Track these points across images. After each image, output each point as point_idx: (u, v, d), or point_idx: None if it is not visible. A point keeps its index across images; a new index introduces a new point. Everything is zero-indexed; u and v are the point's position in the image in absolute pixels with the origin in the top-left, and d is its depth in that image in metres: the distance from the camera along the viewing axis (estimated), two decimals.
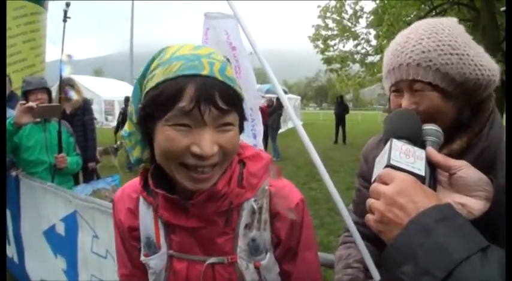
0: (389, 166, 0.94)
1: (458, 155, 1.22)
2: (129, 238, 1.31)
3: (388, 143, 1.01)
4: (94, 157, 6.27)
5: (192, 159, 1.02)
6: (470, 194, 0.98)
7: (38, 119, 3.92)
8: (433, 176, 1.00)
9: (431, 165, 1.00)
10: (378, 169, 0.99)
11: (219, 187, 1.14)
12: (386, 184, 0.91)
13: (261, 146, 3.30)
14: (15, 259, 4.28)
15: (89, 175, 6.15)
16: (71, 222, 3.23)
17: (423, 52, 1.23)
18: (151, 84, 1.03)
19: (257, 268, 1.22)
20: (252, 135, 3.31)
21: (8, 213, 4.29)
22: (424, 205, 0.83)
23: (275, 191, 1.24)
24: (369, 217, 0.92)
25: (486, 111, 1.29)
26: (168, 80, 1.00)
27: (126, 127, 1.19)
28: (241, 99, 1.10)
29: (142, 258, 1.28)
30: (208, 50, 1.08)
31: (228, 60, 1.13)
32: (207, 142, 1.00)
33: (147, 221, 1.25)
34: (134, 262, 1.33)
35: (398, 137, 1.03)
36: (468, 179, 0.98)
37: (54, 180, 3.99)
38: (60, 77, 4.50)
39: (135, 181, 1.32)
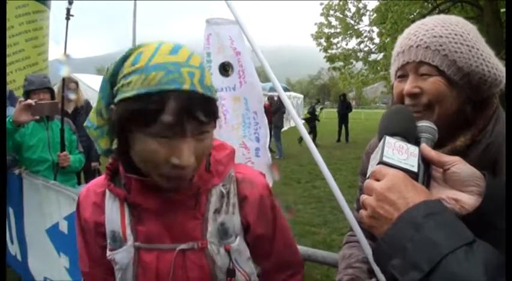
0: (381, 162, 0.96)
1: (462, 151, 1.22)
2: (95, 236, 1.29)
3: (382, 140, 1.03)
4: (98, 156, 6.16)
5: (170, 170, 1.05)
6: (463, 189, 0.99)
7: (38, 117, 3.87)
8: (427, 173, 1.01)
9: (426, 161, 1.02)
10: (372, 166, 1.01)
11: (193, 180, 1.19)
12: (378, 180, 0.94)
13: (265, 149, 3.31)
14: (19, 257, 4.29)
15: (92, 174, 6.10)
16: (74, 220, 3.22)
17: (434, 36, 1.24)
18: (128, 92, 1.01)
19: (228, 250, 1.24)
20: (255, 139, 3.32)
21: (11, 211, 4.30)
22: (413, 201, 0.86)
23: (242, 177, 1.31)
24: (362, 213, 0.96)
25: (491, 108, 1.29)
26: (149, 94, 0.99)
27: (92, 119, 1.19)
28: (217, 104, 1.11)
29: (108, 253, 1.25)
30: (185, 53, 1.06)
31: (209, 60, 1.13)
32: (185, 153, 1.03)
33: (112, 214, 1.25)
34: (95, 260, 1.32)
35: (392, 134, 1.05)
36: (461, 175, 0.99)
37: (57, 178, 3.99)
38: (63, 79, 4.46)
39: (100, 178, 1.33)
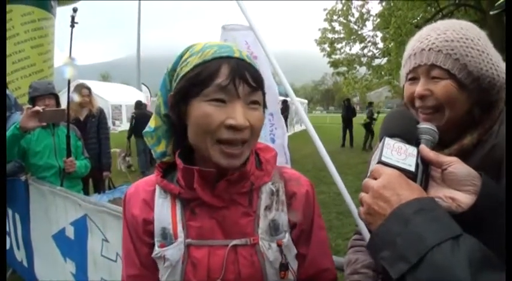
0: (380, 162, 1.01)
1: (468, 151, 1.26)
2: (142, 233, 1.30)
3: (381, 142, 1.07)
4: (109, 166, 6.13)
5: (227, 133, 1.12)
6: (460, 188, 1.02)
7: (45, 124, 3.92)
8: (425, 173, 1.05)
9: (425, 162, 1.05)
10: (371, 166, 1.05)
11: (248, 167, 1.25)
12: (375, 178, 0.98)
13: (283, 148, 3.33)
14: (25, 263, 4.30)
15: (103, 184, 6.06)
16: (80, 226, 3.24)
17: (446, 41, 1.27)
18: (186, 68, 1.16)
19: (279, 246, 1.27)
20: (270, 140, 3.35)
21: (17, 217, 4.32)
22: (406, 198, 0.90)
23: (289, 176, 1.37)
24: (360, 210, 1.00)
25: (497, 109, 1.32)
26: (205, 62, 1.13)
27: (151, 123, 1.30)
28: (263, 81, 1.22)
29: (157, 250, 1.26)
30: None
31: None
32: (240, 114, 1.11)
33: (163, 211, 1.28)
34: (143, 261, 1.33)
35: (392, 136, 1.08)
36: (458, 174, 1.03)
37: (63, 184, 4.01)
38: (68, 85, 4.48)
39: (149, 177, 1.37)
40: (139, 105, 13.47)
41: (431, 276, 0.78)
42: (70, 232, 3.43)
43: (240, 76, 1.12)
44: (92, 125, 5.87)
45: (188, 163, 1.23)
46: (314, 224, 1.38)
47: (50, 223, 3.75)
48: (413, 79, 1.33)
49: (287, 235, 1.30)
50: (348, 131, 20.71)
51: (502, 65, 1.29)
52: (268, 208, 1.28)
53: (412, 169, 0.99)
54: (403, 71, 1.39)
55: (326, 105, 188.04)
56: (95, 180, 6.00)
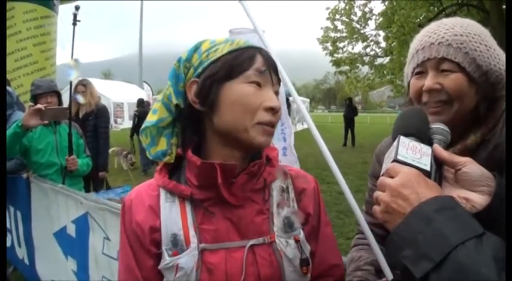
0: (395, 160, 0.99)
1: (472, 150, 1.26)
2: (148, 243, 1.22)
3: (396, 140, 1.05)
4: (105, 166, 6.01)
5: (266, 115, 1.15)
6: (473, 189, 1.02)
7: (47, 122, 3.93)
8: (438, 173, 1.04)
9: (438, 162, 1.04)
10: (386, 164, 1.04)
11: (263, 160, 1.26)
12: (392, 177, 0.96)
13: (291, 148, 3.34)
14: (26, 261, 4.31)
15: (99, 183, 5.96)
16: (82, 224, 3.24)
17: (455, 35, 1.28)
18: (217, 54, 1.18)
19: (297, 241, 1.24)
20: (282, 139, 3.36)
21: (19, 215, 4.32)
22: (425, 196, 0.89)
23: (296, 173, 1.37)
24: (376, 208, 0.98)
25: (500, 107, 1.32)
26: (240, 48, 1.18)
27: (151, 117, 1.25)
28: None
29: (167, 260, 1.18)
30: None
31: None
32: (275, 98, 1.18)
33: (172, 216, 1.21)
34: (146, 276, 1.23)
35: (407, 134, 1.07)
36: (472, 175, 1.02)
37: (65, 182, 4.00)
38: (70, 83, 4.48)
39: (150, 181, 1.30)
40: (141, 103, 13.49)
41: (456, 275, 0.77)
42: (71, 230, 3.43)
43: (272, 65, 1.20)
44: (89, 124, 5.77)
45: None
46: (321, 220, 1.37)
47: (51, 220, 3.75)
48: (421, 73, 1.33)
49: (301, 231, 1.27)
50: (349, 131, 20.65)
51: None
52: (280, 205, 1.26)
53: (428, 168, 0.98)
54: (409, 67, 1.39)
55: (328, 104, 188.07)
56: (92, 179, 5.81)
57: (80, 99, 5.67)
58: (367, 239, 1.47)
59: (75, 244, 3.41)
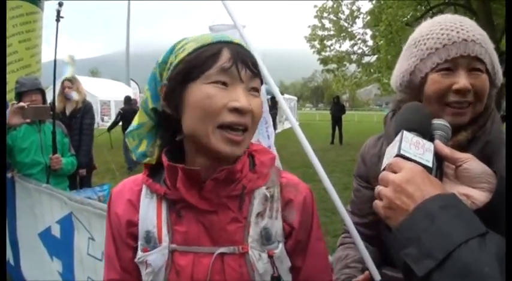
0: (399, 155, 0.98)
1: (463, 146, 1.27)
2: (125, 236, 1.23)
3: (399, 134, 1.04)
4: (89, 163, 5.88)
5: (230, 116, 1.07)
6: (474, 185, 1.02)
7: (29, 120, 3.88)
8: (439, 169, 1.05)
9: (439, 158, 1.04)
10: (388, 158, 1.02)
11: (238, 166, 1.17)
12: (395, 172, 0.95)
13: (273, 147, 3.34)
14: (11, 261, 4.27)
15: (87, 182, 5.86)
16: (66, 224, 3.22)
17: (480, 35, 1.28)
18: (183, 54, 1.11)
19: (271, 256, 1.18)
20: (267, 137, 3.36)
21: None
22: (429, 193, 0.88)
23: (286, 181, 1.28)
24: (377, 203, 0.97)
25: (489, 107, 1.34)
26: (204, 46, 1.10)
27: (135, 121, 1.24)
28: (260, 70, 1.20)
29: (139, 254, 1.19)
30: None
31: None
32: (243, 97, 1.08)
33: (148, 213, 1.20)
34: (125, 265, 1.25)
35: (409, 129, 1.06)
36: (473, 171, 1.02)
37: (50, 181, 3.97)
38: (54, 81, 4.44)
39: (137, 176, 1.30)
40: (128, 101, 13.42)
41: (459, 273, 0.76)
42: (56, 231, 3.40)
43: (242, 60, 1.09)
44: (77, 121, 5.72)
45: (175, 162, 1.16)
46: (312, 234, 1.28)
47: (36, 221, 3.72)
48: (447, 70, 1.28)
49: (280, 245, 1.21)
50: (337, 129, 20.72)
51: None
52: (260, 214, 1.19)
53: (430, 164, 0.97)
54: (428, 61, 1.32)
55: (315, 103, 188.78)
56: (80, 178, 5.74)
57: (74, 95, 5.62)
58: (353, 239, 1.47)
59: (60, 245, 3.38)
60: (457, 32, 1.27)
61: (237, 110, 1.06)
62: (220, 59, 1.07)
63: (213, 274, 1.14)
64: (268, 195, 1.21)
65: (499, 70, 1.33)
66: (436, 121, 1.16)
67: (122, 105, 13.67)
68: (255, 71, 1.12)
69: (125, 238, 1.24)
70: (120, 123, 12.85)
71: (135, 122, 1.24)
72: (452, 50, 1.26)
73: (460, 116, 1.25)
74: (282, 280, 1.21)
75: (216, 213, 1.16)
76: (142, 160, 1.24)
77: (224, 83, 1.07)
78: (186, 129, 1.12)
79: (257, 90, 1.14)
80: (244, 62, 1.10)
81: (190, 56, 1.10)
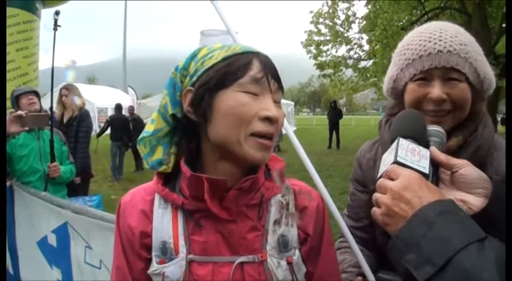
0: (395, 162, 0.98)
1: (454, 152, 1.28)
2: (138, 247, 1.20)
3: (395, 142, 1.05)
4: (80, 171, 5.52)
5: (261, 125, 1.08)
6: (470, 191, 1.03)
7: (27, 128, 3.88)
8: (435, 175, 1.06)
9: (434, 164, 1.05)
10: (385, 166, 1.03)
11: (259, 175, 1.18)
12: (392, 179, 0.96)
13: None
14: (11, 270, 4.24)
15: (79, 190, 5.64)
16: (62, 233, 3.21)
17: (461, 44, 1.28)
18: (212, 61, 1.12)
19: (290, 263, 1.19)
20: None
21: None
22: (427, 200, 0.88)
23: (299, 189, 1.29)
24: (376, 211, 0.97)
25: (480, 112, 1.36)
26: (235, 54, 1.12)
27: (149, 127, 1.22)
28: None
29: (155, 267, 1.16)
30: None
31: None
32: (273, 106, 1.10)
33: (163, 224, 1.18)
34: (137, 278, 1.21)
35: (405, 137, 1.07)
36: (469, 177, 1.03)
37: (48, 189, 3.96)
38: (51, 88, 4.45)
39: (147, 185, 1.28)
40: (118, 108, 13.42)
41: (459, 279, 0.77)
42: (52, 240, 3.39)
43: (271, 71, 1.12)
44: (73, 129, 5.70)
45: (192, 171, 1.14)
46: (324, 240, 1.29)
47: (34, 229, 3.70)
48: (423, 80, 1.32)
49: (297, 251, 1.21)
50: (334, 133, 20.75)
51: (490, 69, 1.35)
52: (277, 222, 1.20)
53: (427, 171, 0.98)
54: (406, 71, 1.36)
55: (313, 107, 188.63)
56: (77, 185, 5.56)
57: (77, 101, 5.62)
58: (349, 243, 1.48)
59: (57, 254, 3.37)
60: (434, 43, 1.29)
61: (267, 119, 1.08)
62: (251, 69, 1.09)
63: None
64: (284, 202, 1.22)
65: (489, 76, 1.33)
66: (431, 127, 1.17)
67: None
68: (280, 83, 1.15)
69: (137, 249, 1.21)
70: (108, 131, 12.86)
71: (149, 128, 1.21)
72: (427, 62, 1.29)
73: (438, 124, 1.25)
74: None
75: (235, 222, 1.16)
76: (157, 168, 1.22)
77: (255, 93, 1.09)
78: (214, 136, 1.11)
79: (279, 102, 1.16)
80: (273, 73, 1.12)
81: (222, 63, 1.11)
